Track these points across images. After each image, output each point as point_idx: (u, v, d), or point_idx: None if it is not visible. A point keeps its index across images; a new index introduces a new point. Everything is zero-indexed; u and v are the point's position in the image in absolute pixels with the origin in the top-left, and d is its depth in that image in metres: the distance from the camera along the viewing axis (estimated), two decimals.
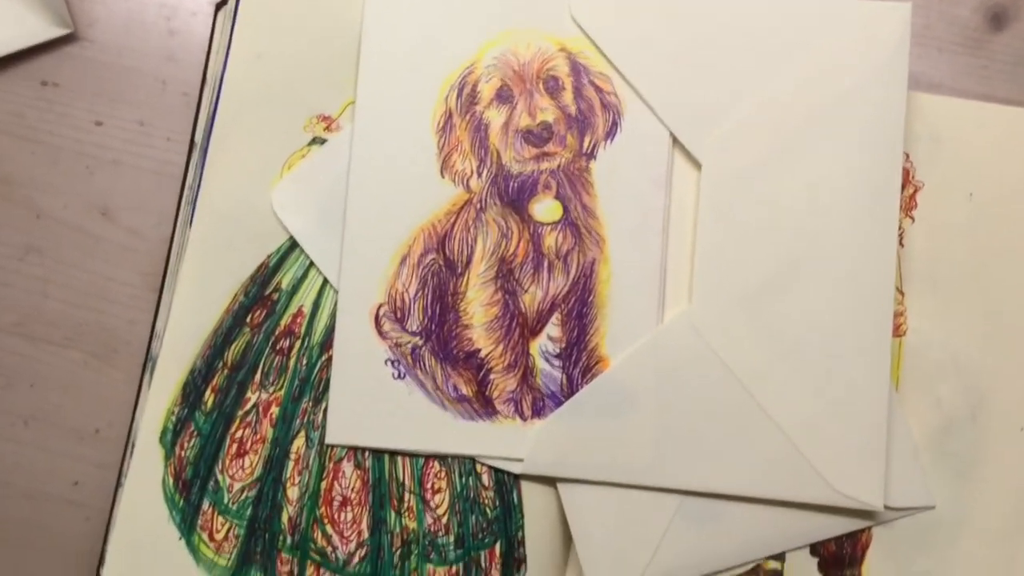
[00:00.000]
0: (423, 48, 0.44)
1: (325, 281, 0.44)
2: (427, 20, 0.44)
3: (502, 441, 0.42)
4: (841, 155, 0.43)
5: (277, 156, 0.45)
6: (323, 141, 0.45)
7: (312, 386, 0.43)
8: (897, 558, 0.43)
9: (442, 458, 0.43)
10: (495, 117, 0.44)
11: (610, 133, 0.44)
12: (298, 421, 0.43)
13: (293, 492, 0.43)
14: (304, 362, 0.44)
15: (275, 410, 0.43)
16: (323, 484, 0.43)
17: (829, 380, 0.42)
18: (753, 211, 0.43)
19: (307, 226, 0.44)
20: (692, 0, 0.44)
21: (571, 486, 0.42)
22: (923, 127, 0.45)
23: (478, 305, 0.43)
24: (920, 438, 0.43)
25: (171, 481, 0.43)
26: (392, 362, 0.43)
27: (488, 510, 0.43)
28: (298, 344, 0.44)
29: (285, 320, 0.44)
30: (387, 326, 0.43)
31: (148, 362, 0.44)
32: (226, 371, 0.44)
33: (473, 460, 0.43)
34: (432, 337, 0.43)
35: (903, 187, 0.44)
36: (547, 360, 0.43)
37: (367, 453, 0.43)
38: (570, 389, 0.43)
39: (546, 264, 0.43)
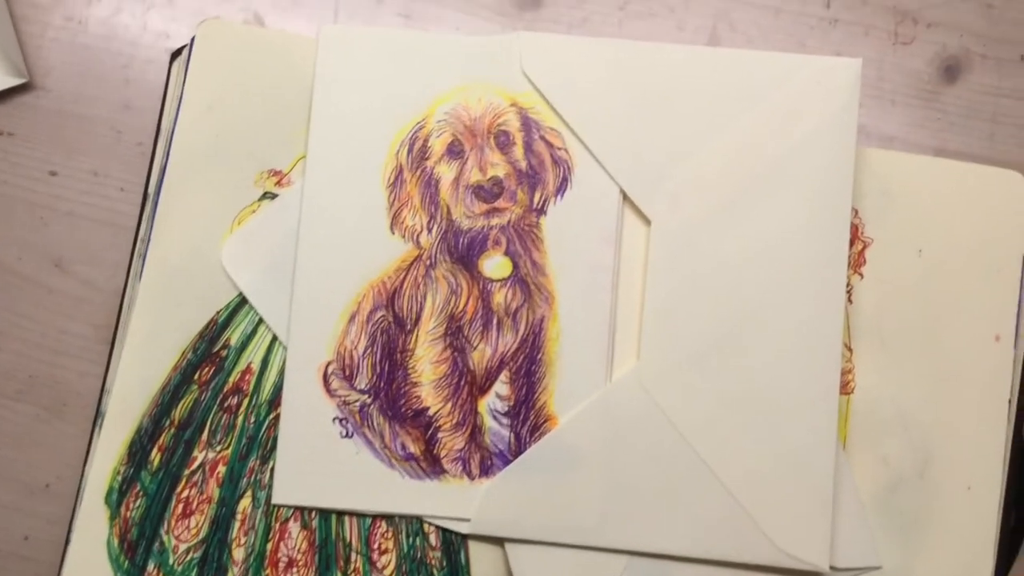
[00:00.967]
0: (375, 103, 0.44)
1: (274, 338, 0.44)
2: (379, 75, 0.44)
3: (450, 500, 0.42)
4: (790, 210, 0.42)
5: (228, 210, 0.45)
6: (274, 196, 0.45)
7: (260, 444, 0.43)
8: None
9: (389, 518, 0.43)
10: (446, 172, 0.44)
11: (560, 189, 0.44)
12: (245, 480, 0.43)
13: (239, 553, 0.43)
14: (252, 420, 0.43)
15: (222, 469, 0.43)
16: (269, 545, 0.43)
17: (776, 438, 0.41)
18: (702, 267, 0.42)
19: (256, 282, 0.44)
20: (643, 56, 0.44)
21: (518, 546, 0.42)
22: (873, 182, 0.45)
23: (427, 362, 0.43)
24: (867, 496, 0.43)
25: (116, 542, 0.43)
26: (340, 420, 0.43)
27: (435, 571, 0.43)
28: (246, 402, 0.43)
29: (233, 377, 0.44)
30: (335, 384, 0.43)
31: (98, 417, 0.44)
32: (173, 429, 0.43)
33: (421, 520, 0.43)
34: (381, 395, 0.43)
35: (852, 243, 0.44)
36: (495, 418, 0.43)
37: (314, 513, 0.43)
38: (518, 448, 0.42)
39: (495, 321, 0.43)
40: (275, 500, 0.42)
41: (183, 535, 0.43)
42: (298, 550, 0.43)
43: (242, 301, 0.44)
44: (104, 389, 0.45)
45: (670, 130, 0.43)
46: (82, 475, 0.44)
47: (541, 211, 0.44)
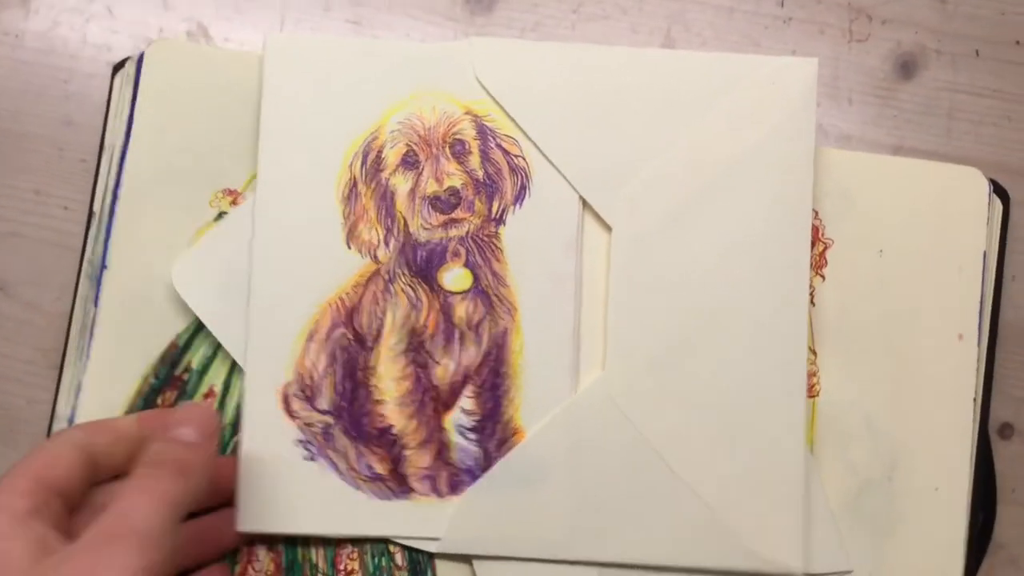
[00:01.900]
0: (326, 113, 0.43)
1: (235, 360, 0.43)
2: (329, 84, 0.43)
3: (420, 520, 0.42)
4: (750, 212, 0.42)
5: (184, 232, 0.43)
6: None
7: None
8: None
9: (357, 540, 0.42)
10: (401, 184, 0.43)
11: (519, 197, 0.43)
12: None
13: None
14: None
15: None
16: (237, 568, 0.42)
17: (745, 443, 0.41)
18: (664, 272, 0.42)
19: (210, 303, 0.42)
20: (597, 59, 0.43)
21: (487, 563, 0.41)
22: (832, 184, 0.44)
23: (389, 380, 0.42)
24: (835, 500, 0.43)
25: None
26: (303, 443, 0.42)
27: None
28: None
29: (196, 401, 0.43)
30: (296, 405, 0.42)
31: None
32: None
33: (386, 540, 0.42)
34: (344, 415, 0.42)
35: (813, 245, 0.44)
36: (462, 434, 0.42)
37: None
38: (487, 463, 0.42)
39: (457, 335, 0.42)
40: (240, 527, 0.41)
41: None
42: (265, 573, 0.42)
43: (201, 324, 0.43)
44: (54, 415, 0.43)
45: (627, 134, 0.43)
46: None
47: (500, 220, 0.43)
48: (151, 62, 0.44)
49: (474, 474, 0.42)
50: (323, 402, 0.42)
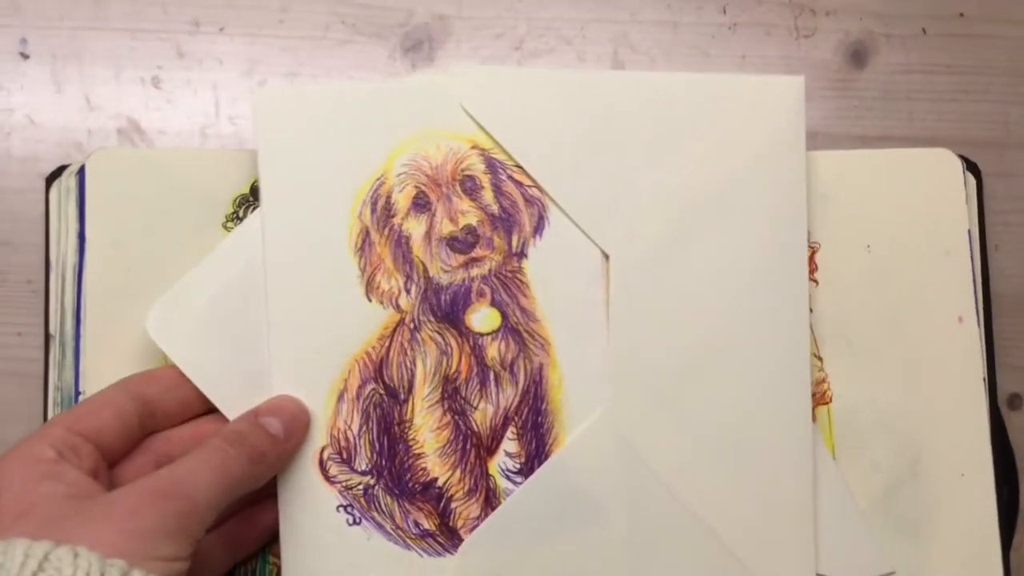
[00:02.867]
0: (326, 165, 0.41)
1: None
2: (325, 135, 0.41)
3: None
4: (746, 232, 0.41)
5: (155, 348, 0.40)
6: None
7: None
8: None
9: None
10: (415, 228, 0.41)
11: (538, 228, 0.42)
12: None
13: None
14: None
15: None
16: None
17: (752, 469, 0.40)
18: (664, 299, 0.41)
19: (193, 354, 0.39)
20: (586, 85, 0.42)
21: None
22: (810, 187, 0.44)
23: (428, 431, 0.41)
24: (864, 503, 0.42)
25: None
26: (345, 507, 0.40)
27: None
28: None
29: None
30: (334, 470, 0.40)
31: None
32: None
33: None
34: (384, 473, 0.40)
35: None
36: (508, 478, 0.41)
37: None
38: None
39: (492, 377, 0.41)
40: None
41: None
42: None
43: None
44: None
45: (618, 159, 0.41)
46: None
47: (522, 255, 0.42)
48: (94, 173, 0.42)
49: None
50: (361, 463, 0.40)
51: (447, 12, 0.46)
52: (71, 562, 0.29)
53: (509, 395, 0.41)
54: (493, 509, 0.41)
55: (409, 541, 0.40)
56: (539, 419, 0.41)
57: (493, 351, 0.41)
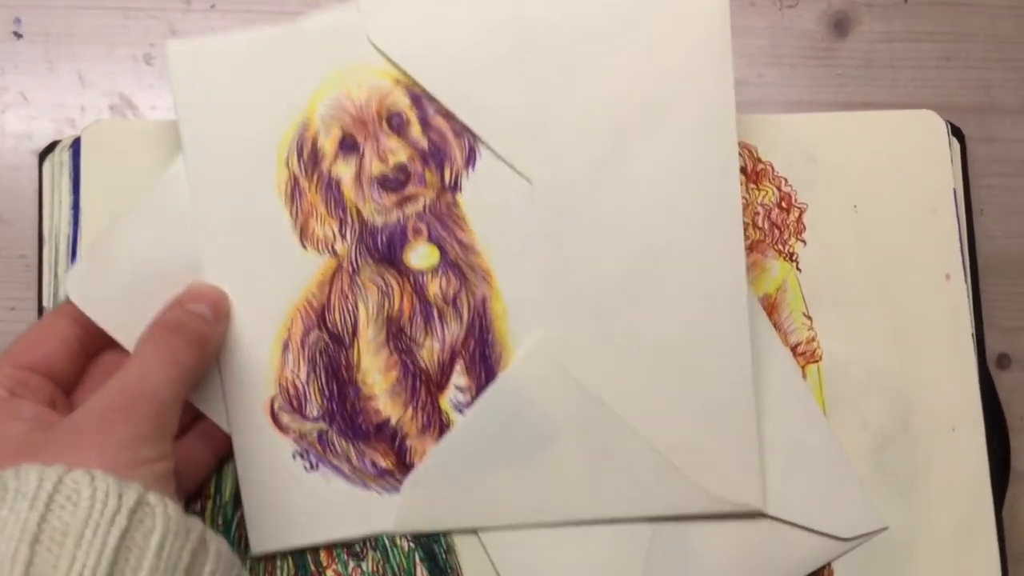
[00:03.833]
0: (247, 114, 0.40)
1: None
2: (243, 84, 0.40)
3: None
4: (674, 147, 0.40)
5: None
6: None
7: (235, 543, 0.40)
8: None
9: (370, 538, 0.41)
10: (345, 170, 0.41)
11: (469, 160, 0.41)
12: None
13: None
14: (220, 522, 0.41)
15: None
16: None
17: (693, 385, 0.40)
18: (596, 219, 0.40)
19: (121, 316, 0.38)
20: (501, 5, 0.40)
21: (494, 534, 0.41)
22: (794, 149, 0.44)
23: (376, 373, 0.41)
24: (857, 461, 0.43)
25: None
26: (300, 454, 0.40)
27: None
28: (210, 504, 0.41)
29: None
30: (286, 419, 0.40)
31: None
32: None
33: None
34: (336, 417, 0.41)
35: (788, 212, 0.43)
36: (460, 411, 0.41)
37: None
38: None
39: (436, 313, 0.41)
40: (254, 551, 0.40)
41: None
42: None
43: None
44: None
45: (538, 82, 0.40)
46: None
47: (456, 188, 0.41)
48: (89, 145, 0.42)
49: None
50: (312, 409, 0.41)
51: None
52: (89, 483, 0.28)
53: (454, 330, 0.41)
54: None
55: (368, 481, 0.41)
56: (486, 350, 0.41)
57: (435, 287, 0.41)
